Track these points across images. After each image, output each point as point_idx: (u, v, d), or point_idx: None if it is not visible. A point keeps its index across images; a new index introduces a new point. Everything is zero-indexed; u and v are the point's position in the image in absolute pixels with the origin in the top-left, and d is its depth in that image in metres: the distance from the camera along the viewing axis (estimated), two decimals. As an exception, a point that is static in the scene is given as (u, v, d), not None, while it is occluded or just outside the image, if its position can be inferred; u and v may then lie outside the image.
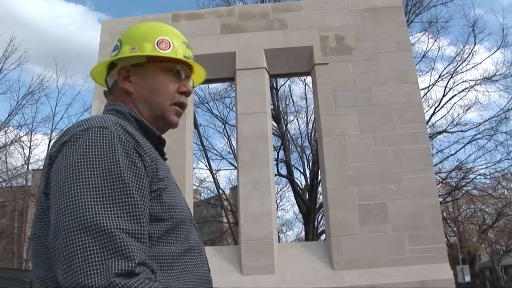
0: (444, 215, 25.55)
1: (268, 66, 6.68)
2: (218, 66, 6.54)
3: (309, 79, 14.79)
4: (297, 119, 23.33)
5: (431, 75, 21.72)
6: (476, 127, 21.05)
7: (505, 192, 26.16)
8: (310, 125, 21.91)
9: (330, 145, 6.11)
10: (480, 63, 23.73)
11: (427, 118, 19.19)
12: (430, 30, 21.31)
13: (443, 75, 21.27)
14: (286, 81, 21.47)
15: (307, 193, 21.48)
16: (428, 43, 21.76)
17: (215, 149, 24.00)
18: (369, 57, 6.45)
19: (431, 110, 20.90)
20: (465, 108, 21.87)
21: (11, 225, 26.93)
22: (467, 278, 24.92)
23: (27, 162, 25.37)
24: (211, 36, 6.71)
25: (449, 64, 21.67)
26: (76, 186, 1.03)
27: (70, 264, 0.95)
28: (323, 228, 20.81)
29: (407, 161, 5.92)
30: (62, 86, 46.18)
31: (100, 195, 1.03)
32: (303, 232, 23.13)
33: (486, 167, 21.41)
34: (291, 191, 22.51)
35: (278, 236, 7.61)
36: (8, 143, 23.93)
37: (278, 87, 21.48)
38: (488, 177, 21.98)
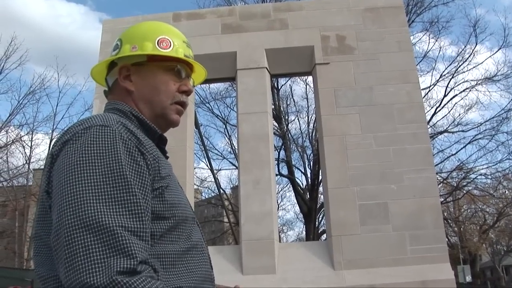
0: (445, 215, 25.52)
1: (269, 66, 6.68)
2: (219, 66, 6.54)
3: (310, 79, 14.80)
4: (298, 119, 23.34)
5: (432, 75, 21.70)
6: (477, 127, 21.03)
7: (506, 192, 26.12)
8: (311, 125, 21.91)
9: (331, 145, 6.11)
10: (481, 63, 23.69)
11: (428, 118, 19.18)
12: (431, 30, 21.29)
13: (444, 75, 21.25)
14: (287, 81, 21.46)
15: (308, 193, 21.47)
16: (429, 43, 21.79)
17: (216, 149, 24.12)
18: (370, 57, 6.44)
19: (432, 110, 20.90)
20: (466, 108, 21.84)
21: (12, 224, 26.97)
22: (468, 278, 24.89)
23: (28, 162, 25.40)
24: (212, 36, 6.71)
25: (450, 64, 21.64)
26: (77, 185, 1.03)
27: (72, 263, 0.95)
28: (324, 228, 20.81)
29: (408, 161, 5.92)
30: (63, 86, 46.45)
31: (102, 193, 1.03)
32: (304, 232, 23.12)
33: (487, 167, 21.38)
34: (292, 191, 22.52)
35: (279, 236, 7.61)
36: (9, 142, 23.97)
37: (279, 87, 21.48)
38: (489, 177, 21.96)
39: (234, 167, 22.02)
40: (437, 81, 21.17)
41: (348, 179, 5.91)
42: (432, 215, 5.75)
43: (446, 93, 20.92)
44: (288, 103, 22.65)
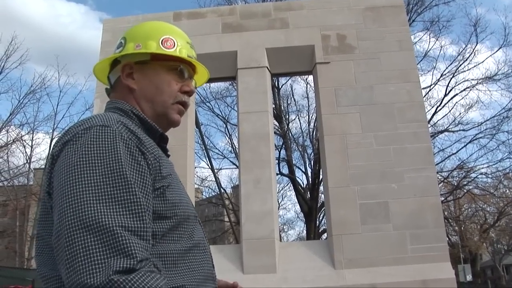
0: (446, 214, 25.51)
1: (270, 65, 6.68)
2: (219, 65, 6.54)
3: (310, 78, 14.79)
4: (298, 118, 23.37)
5: (432, 74, 21.72)
6: (477, 126, 21.03)
7: (507, 191, 26.13)
8: (312, 124, 21.93)
9: (331, 144, 6.11)
10: (482, 62, 23.63)
11: (428, 117, 19.19)
12: (431, 29, 21.29)
13: (445, 74, 21.26)
14: (288, 80, 21.48)
15: (308, 192, 21.48)
16: (429, 42, 21.81)
17: (216, 148, 24.08)
18: (370, 56, 6.44)
19: (433, 109, 20.90)
20: (467, 107, 21.84)
21: (13, 224, 27.01)
22: (469, 277, 24.91)
23: (28, 161, 25.44)
24: (212, 35, 6.71)
25: (450, 63, 21.66)
26: (78, 185, 1.03)
27: (72, 263, 0.96)
28: (324, 227, 20.82)
29: (408, 160, 5.92)
30: (64, 85, 46.37)
31: (103, 193, 1.03)
32: (305, 231, 23.12)
33: (487, 166, 21.38)
34: (293, 190, 22.53)
35: (280, 235, 7.61)
36: (10, 142, 24.00)
37: (280, 86, 21.49)
38: (490, 176, 21.95)
39: (235, 166, 22.05)
40: (438, 80, 21.19)
41: (348, 178, 5.91)
42: (432, 214, 5.75)
43: (447, 92, 20.95)
44: (288, 102, 22.68)
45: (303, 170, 22.66)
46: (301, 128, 23.44)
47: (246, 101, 6.48)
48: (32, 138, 25.36)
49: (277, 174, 16.23)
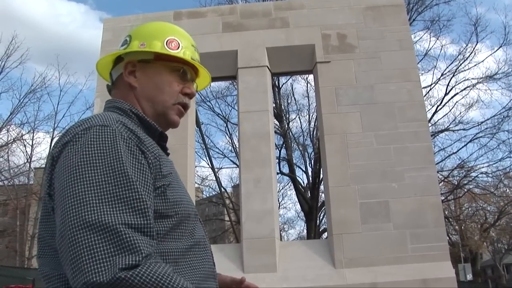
0: (446, 213, 25.51)
1: (270, 64, 6.68)
2: (220, 64, 6.54)
3: (311, 77, 14.79)
4: (299, 117, 23.39)
5: (433, 74, 21.69)
6: (478, 125, 21.04)
7: (507, 190, 26.16)
8: (312, 123, 21.95)
9: (332, 143, 6.11)
10: (482, 61, 23.64)
11: (429, 116, 19.19)
12: (432, 29, 21.32)
13: (445, 74, 21.27)
14: (288, 79, 21.50)
15: (309, 192, 21.50)
16: (430, 41, 21.79)
17: (217, 147, 24.01)
18: (371, 55, 6.44)
19: (433, 109, 20.92)
20: (467, 106, 21.87)
21: (13, 223, 27.03)
22: (469, 277, 24.93)
23: (29, 160, 25.48)
24: (213, 35, 6.70)
25: (451, 63, 21.69)
26: (79, 186, 1.03)
27: (77, 263, 0.96)
28: (325, 226, 20.83)
29: (409, 159, 5.92)
30: (64, 84, 46.31)
31: (104, 193, 1.03)
32: (305, 231, 23.15)
33: (488, 166, 21.41)
34: (293, 190, 22.56)
35: (280, 234, 7.61)
36: (10, 141, 24.03)
37: (280, 86, 21.50)
38: (490, 175, 21.96)
39: (235, 166, 22.06)
40: (438, 79, 21.22)
41: (349, 177, 5.91)
42: (433, 213, 5.75)
43: (447, 92, 20.97)
44: (289, 101, 22.72)
45: (304, 169, 22.71)
46: (301, 127, 23.54)
47: (246, 100, 6.48)
48: (33, 137, 25.43)
49: (277, 173, 16.23)
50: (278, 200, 19.48)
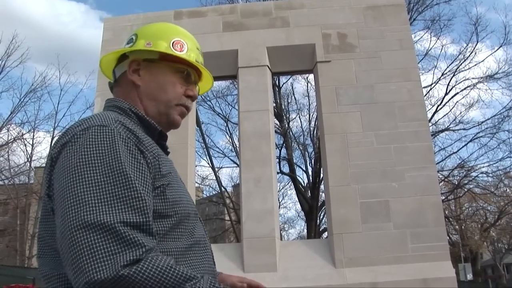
0: (446, 213, 25.51)
1: (271, 64, 6.68)
2: (220, 64, 6.54)
3: (311, 77, 14.79)
4: (299, 117, 23.40)
5: (433, 73, 21.62)
6: (478, 125, 21.04)
7: (507, 190, 26.16)
8: (312, 123, 21.95)
9: (332, 143, 6.11)
10: (483, 61, 23.61)
11: (429, 116, 19.19)
12: (432, 28, 21.31)
13: (446, 73, 21.27)
14: (289, 79, 21.49)
15: (309, 191, 21.50)
16: (430, 41, 21.76)
17: (217, 147, 24.07)
18: (371, 55, 6.44)
19: (434, 108, 20.91)
20: (468, 106, 21.86)
21: (14, 222, 27.03)
22: (469, 276, 24.93)
23: (29, 160, 25.48)
24: (213, 34, 6.70)
25: (451, 63, 21.68)
26: (78, 186, 1.04)
27: (78, 263, 0.96)
28: (325, 226, 20.83)
29: (409, 159, 5.92)
30: (65, 84, 46.28)
31: (103, 192, 1.03)
32: (305, 230, 23.15)
33: (488, 165, 21.40)
34: (293, 189, 22.56)
35: (280, 234, 7.62)
36: (11, 140, 24.03)
37: (281, 85, 21.50)
38: (490, 175, 21.95)
39: (235, 165, 22.07)
40: (439, 79, 21.21)
41: (349, 177, 5.91)
42: (433, 213, 5.75)
43: (448, 91, 20.97)
44: (289, 101, 22.72)
45: (304, 169, 22.70)
46: (301, 127, 23.55)
47: (246, 99, 6.48)
48: (33, 136, 25.43)
49: (277, 173, 16.22)
50: (279, 200, 19.47)
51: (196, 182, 11.70)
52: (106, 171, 1.06)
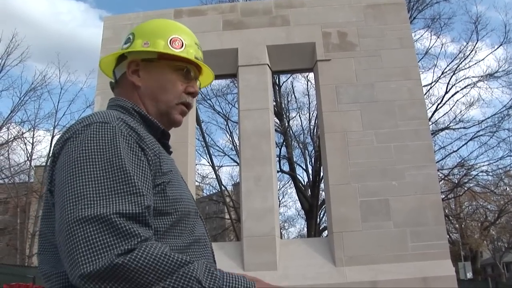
0: (446, 211, 25.51)
1: (271, 62, 6.68)
2: (220, 63, 6.53)
3: (311, 75, 14.79)
4: (299, 116, 23.41)
5: (433, 72, 21.63)
6: (478, 124, 21.04)
7: (507, 189, 26.14)
8: (313, 122, 21.97)
9: (332, 141, 6.11)
10: (483, 59, 23.63)
11: (429, 115, 19.20)
12: (432, 27, 21.30)
13: (446, 72, 21.26)
14: (289, 77, 21.49)
15: (309, 190, 21.51)
16: (430, 39, 21.73)
17: (217, 146, 24.04)
18: (371, 53, 6.43)
19: (434, 107, 20.92)
20: (468, 105, 21.85)
21: (14, 221, 27.04)
22: (469, 275, 24.93)
23: (29, 159, 25.49)
24: (213, 33, 6.70)
25: (452, 61, 21.66)
26: (77, 181, 1.04)
27: (73, 257, 0.96)
28: (325, 224, 20.84)
29: (409, 157, 5.92)
30: (65, 83, 46.27)
31: (101, 187, 1.04)
32: (305, 229, 23.19)
33: (488, 164, 21.41)
34: (293, 188, 22.56)
35: (280, 233, 7.62)
36: (11, 139, 24.04)
37: (281, 84, 21.50)
38: (491, 174, 21.97)
39: (236, 164, 22.08)
40: (439, 78, 21.20)
41: (349, 175, 5.91)
42: (433, 211, 5.75)
43: (448, 90, 20.96)
44: (289, 99, 22.73)
45: (304, 167, 22.71)
46: (301, 126, 23.55)
47: (247, 98, 6.48)
48: (33, 135, 25.43)
49: (277, 172, 16.22)
50: (279, 198, 19.48)
51: (196, 181, 11.72)
52: (105, 166, 1.07)
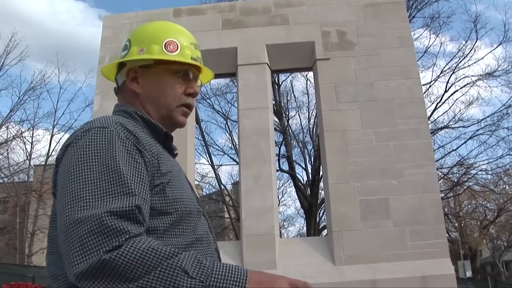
0: (446, 210, 25.52)
1: (270, 61, 6.68)
2: (220, 62, 6.53)
3: (310, 74, 14.78)
4: (298, 115, 23.39)
5: (432, 71, 21.62)
6: (478, 122, 21.05)
7: (507, 187, 26.16)
8: (312, 121, 21.95)
9: (331, 140, 6.11)
10: (482, 58, 23.64)
11: (428, 113, 19.18)
12: (432, 26, 21.30)
13: (445, 71, 21.26)
14: (288, 76, 21.47)
15: (308, 189, 21.51)
16: (430, 38, 21.72)
17: (216, 145, 24.02)
18: (370, 52, 6.43)
19: (433, 106, 20.92)
20: (467, 103, 21.86)
21: (13, 220, 27.04)
22: (468, 274, 24.94)
23: (28, 158, 25.47)
24: (212, 32, 6.70)
25: (451, 60, 21.66)
26: (75, 185, 1.08)
27: (69, 257, 1.00)
28: (324, 223, 20.84)
29: (408, 156, 5.92)
30: (64, 82, 46.18)
31: (96, 189, 1.06)
32: (305, 228, 23.17)
33: (487, 163, 21.41)
34: (293, 187, 22.57)
35: (280, 232, 7.63)
36: (10, 138, 24.02)
37: (280, 83, 21.50)
38: (490, 172, 21.99)
39: (235, 163, 22.08)
40: (438, 76, 21.21)
41: (348, 174, 5.91)
42: (432, 210, 5.75)
43: (447, 89, 20.97)
44: (288, 98, 22.71)
45: (303, 166, 22.70)
46: (301, 125, 23.49)
47: (246, 97, 6.48)
48: (32, 134, 25.40)
49: (277, 171, 16.22)
50: (278, 197, 19.49)
51: (195, 180, 11.71)
52: (101, 169, 1.10)
